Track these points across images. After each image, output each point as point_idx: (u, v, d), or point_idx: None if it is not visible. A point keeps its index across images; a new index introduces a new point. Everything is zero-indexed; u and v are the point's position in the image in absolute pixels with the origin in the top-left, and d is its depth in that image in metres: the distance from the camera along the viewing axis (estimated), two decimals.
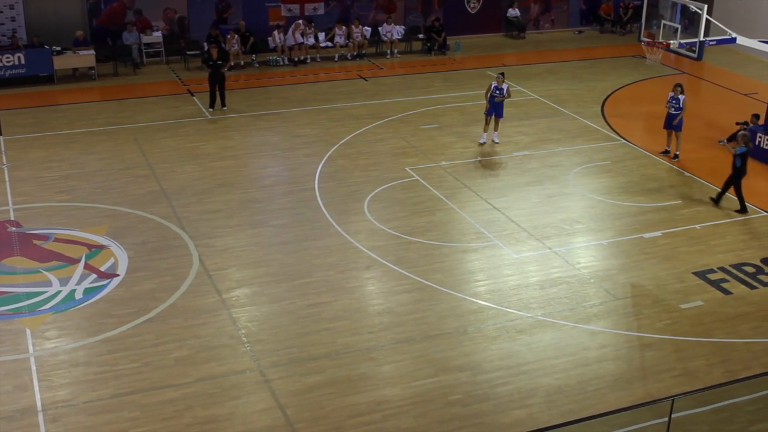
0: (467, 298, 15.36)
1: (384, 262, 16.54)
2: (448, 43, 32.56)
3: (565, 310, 14.98)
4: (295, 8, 31.20)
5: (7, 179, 20.21)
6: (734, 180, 18.82)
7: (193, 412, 12.36)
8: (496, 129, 22.55)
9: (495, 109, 22.22)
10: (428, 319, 14.68)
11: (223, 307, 14.99)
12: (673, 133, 21.67)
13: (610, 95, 27.27)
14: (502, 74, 22.40)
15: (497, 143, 22.50)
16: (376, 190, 19.59)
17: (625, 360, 13.71)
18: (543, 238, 17.58)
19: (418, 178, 20.33)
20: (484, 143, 22.48)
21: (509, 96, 22.18)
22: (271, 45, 30.94)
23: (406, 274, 16.11)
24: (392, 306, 15.17)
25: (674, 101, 21.26)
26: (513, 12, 35.09)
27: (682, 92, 21.33)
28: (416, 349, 13.83)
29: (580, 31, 36.11)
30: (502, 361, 13.53)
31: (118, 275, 16.00)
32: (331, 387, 12.88)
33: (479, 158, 21.61)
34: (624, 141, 23.10)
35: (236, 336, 14.16)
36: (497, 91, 22.05)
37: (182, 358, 13.56)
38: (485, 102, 22.37)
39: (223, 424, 12.15)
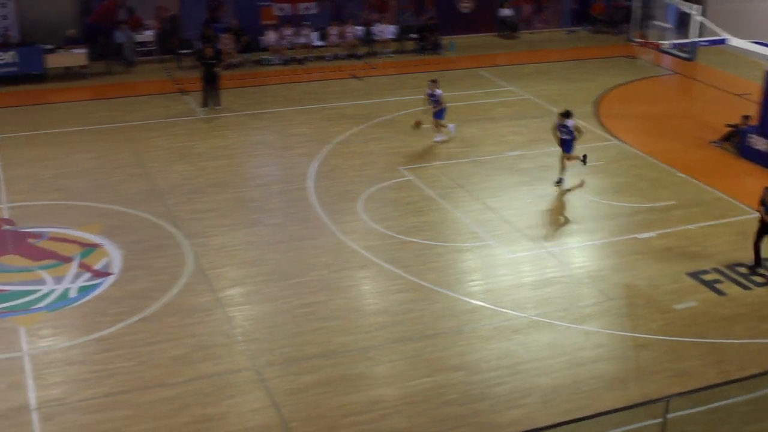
0: (462, 297, 15.37)
1: (378, 261, 16.54)
2: (441, 42, 32.58)
3: (560, 310, 15.01)
4: (288, 8, 31.18)
5: (0, 177, 20.15)
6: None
7: (188, 410, 12.34)
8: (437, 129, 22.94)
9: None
10: (423, 319, 14.69)
11: (218, 306, 14.97)
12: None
13: (601, 95, 27.32)
14: (434, 81, 22.81)
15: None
16: (370, 190, 19.59)
17: (620, 360, 13.74)
18: (537, 238, 17.61)
19: (412, 177, 20.34)
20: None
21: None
22: (264, 44, 30.91)
23: (401, 273, 16.11)
24: (387, 306, 15.17)
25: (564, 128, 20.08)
26: (505, 12, 35.14)
27: None
28: (411, 349, 13.84)
29: (571, 31, 36.17)
30: (497, 361, 13.55)
31: (112, 274, 15.96)
32: (326, 386, 12.88)
33: (472, 158, 21.61)
34: (617, 141, 23.15)
35: (231, 335, 14.15)
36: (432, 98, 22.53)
37: (177, 357, 13.53)
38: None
39: (219, 422, 12.14)
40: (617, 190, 20.05)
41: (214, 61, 25.05)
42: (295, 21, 31.34)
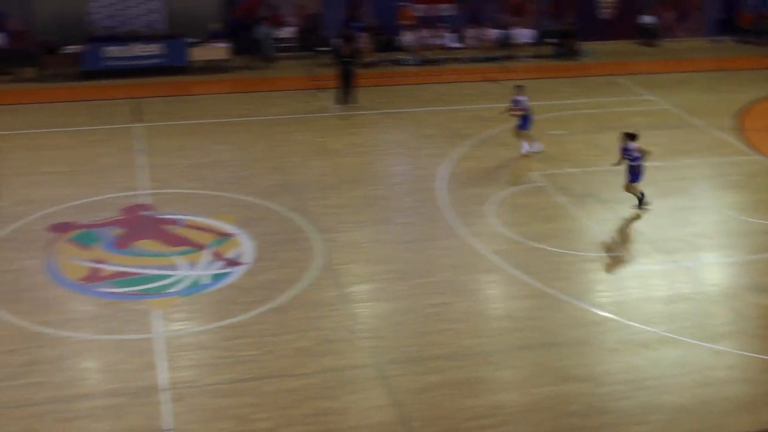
0: (589, 308, 15.11)
1: (505, 266, 16.42)
2: (579, 48, 32.12)
3: (691, 327, 14.57)
4: (426, 8, 31.29)
5: (142, 165, 20.91)
6: None
7: (310, 403, 12.50)
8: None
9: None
10: (548, 327, 14.51)
11: (344, 301, 15.14)
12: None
13: (746, 108, 26.42)
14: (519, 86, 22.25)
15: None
16: (501, 194, 19.47)
17: (753, 383, 13.25)
18: (669, 251, 17.16)
19: (544, 183, 20.12)
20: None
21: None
22: (401, 44, 31.11)
23: (528, 280, 15.96)
24: (512, 311, 15.06)
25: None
26: (647, 19, 34.40)
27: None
28: (535, 356, 13.69)
29: (716, 41, 35.10)
30: (623, 375, 13.25)
31: (244, 264, 16.33)
32: (448, 388, 12.85)
33: (608, 166, 21.20)
34: (760, 156, 22.35)
35: (355, 331, 14.28)
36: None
37: (302, 349, 13.74)
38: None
39: (339, 417, 12.26)
40: (757, 207, 19.34)
41: (351, 60, 25.37)
42: (432, 22, 31.42)
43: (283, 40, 31.33)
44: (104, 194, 19.31)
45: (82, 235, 17.39)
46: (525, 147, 21.93)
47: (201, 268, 16.18)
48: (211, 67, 29.54)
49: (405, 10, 31.73)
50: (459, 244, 17.27)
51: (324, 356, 13.59)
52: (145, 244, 17.04)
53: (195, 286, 15.60)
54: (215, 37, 29.78)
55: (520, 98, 21.77)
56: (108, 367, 13.31)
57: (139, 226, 17.88)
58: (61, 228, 17.64)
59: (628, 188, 18.86)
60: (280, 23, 31.48)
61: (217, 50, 29.52)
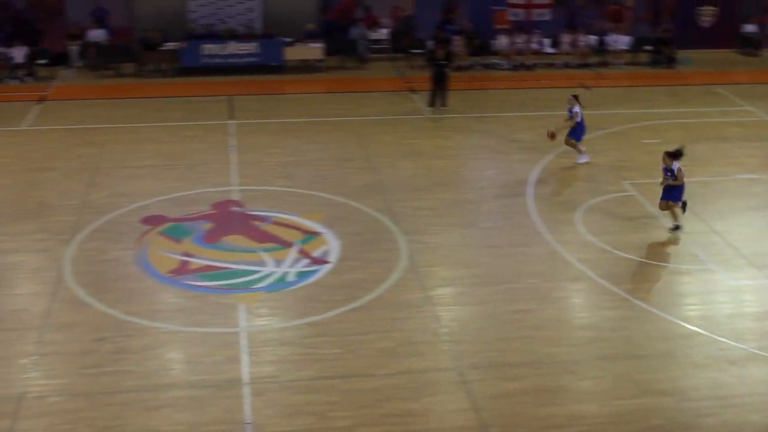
0: (677, 321, 14.80)
1: (592, 275, 16.20)
2: (676, 56, 31.51)
3: None
4: (522, 13, 31.08)
5: (234, 161, 21.27)
6: None
7: (389, 403, 12.53)
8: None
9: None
10: (634, 339, 14.26)
11: (428, 303, 15.13)
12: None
13: None
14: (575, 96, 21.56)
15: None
16: (590, 202, 19.22)
17: None
18: (764, 267, 16.69)
19: (635, 193, 19.79)
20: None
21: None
22: (495, 48, 30.97)
23: (614, 290, 15.71)
24: (597, 321, 14.85)
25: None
26: (749, 28, 33.55)
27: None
28: (619, 368, 13.46)
29: None
30: (709, 391, 12.95)
31: (330, 262, 16.46)
32: (528, 395, 12.74)
33: (702, 178, 20.77)
34: None
35: (438, 334, 14.26)
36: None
37: (384, 350, 13.77)
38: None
39: (418, 419, 12.26)
40: None
41: (444, 63, 25.36)
42: (527, 27, 31.21)
43: (376, 41, 31.49)
44: (196, 189, 19.70)
45: (173, 228, 17.77)
46: (583, 158, 21.56)
47: (287, 265, 16.36)
48: (305, 67, 29.88)
49: (500, 14, 31.56)
50: (545, 251, 17.11)
51: (405, 358, 13.60)
52: (234, 240, 17.32)
53: (280, 283, 15.79)
54: (310, 37, 30.09)
55: (575, 108, 21.43)
56: (193, 358, 13.56)
57: (229, 221, 18.18)
58: (154, 221, 18.05)
59: (667, 207, 17.94)
60: (374, 24, 31.63)
61: (312, 50, 29.83)
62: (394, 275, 16.03)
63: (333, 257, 16.65)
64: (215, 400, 12.49)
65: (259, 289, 15.58)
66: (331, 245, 17.05)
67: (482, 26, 31.27)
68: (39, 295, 15.29)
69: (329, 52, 30.06)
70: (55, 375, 13.07)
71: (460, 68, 29.34)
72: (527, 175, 20.73)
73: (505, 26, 31.41)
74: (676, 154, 17.61)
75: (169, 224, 17.92)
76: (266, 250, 16.87)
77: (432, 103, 25.64)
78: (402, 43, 31.29)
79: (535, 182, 20.36)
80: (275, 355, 13.61)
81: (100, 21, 30.44)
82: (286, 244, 17.11)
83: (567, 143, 21.56)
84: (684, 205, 17.91)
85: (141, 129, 24.05)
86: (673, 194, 17.75)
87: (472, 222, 18.42)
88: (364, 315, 14.75)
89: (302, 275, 16.04)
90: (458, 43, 29.91)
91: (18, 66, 28.95)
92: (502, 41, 30.89)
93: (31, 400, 12.43)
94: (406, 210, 18.70)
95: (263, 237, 17.45)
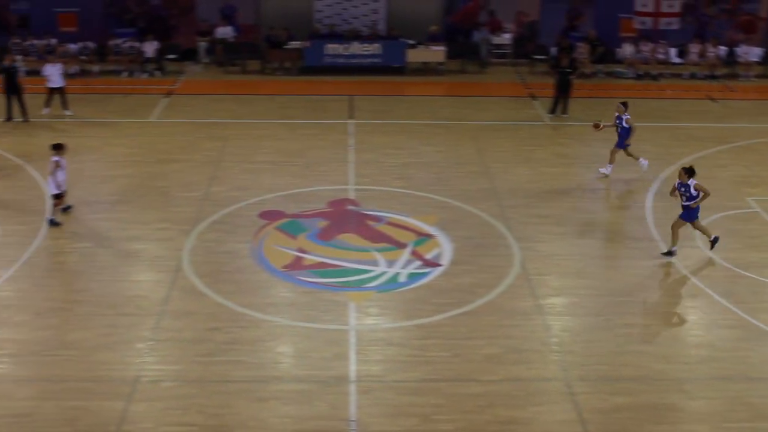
0: None
1: (709, 292, 15.78)
2: None
3: None
4: (649, 21, 30.47)
5: (351, 160, 21.50)
6: None
7: (493, 410, 12.47)
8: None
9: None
10: (750, 360, 13.83)
11: (538, 312, 15.00)
12: None
13: None
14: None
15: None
16: (711, 218, 18.68)
17: None
18: None
19: (760, 210, 19.18)
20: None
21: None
22: (619, 56, 30.47)
23: (733, 308, 15.26)
24: (712, 339, 14.45)
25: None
26: None
27: None
28: (733, 389, 13.07)
29: None
30: None
31: (441, 265, 16.48)
32: (636, 411, 12.49)
33: None
34: None
35: (547, 343, 14.12)
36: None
37: (491, 356, 13.72)
38: None
39: (522, 427, 12.17)
40: None
41: (568, 70, 25.09)
42: (654, 36, 30.58)
43: (499, 46, 31.36)
44: (314, 186, 19.99)
45: (290, 224, 18.07)
46: (604, 168, 21.02)
47: (399, 266, 16.46)
48: (426, 69, 29.98)
49: (627, 21, 30.99)
50: (662, 265, 16.74)
51: (513, 365, 13.53)
52: (348, 238, 17.51)
53: (392, 283, 15.89)
54: (433, 39, 30.17)
55: (623, 116, 20.86)
56: (302, 353, 13.78)
57: (344, 219, 18.39)
58: (271, 216, 18.40)
59: (696, 227, 17.06)
60: (498, 29, 31.51)
61: (434, 53, 29.91)
62: (505, 281, 15.95)
63: (445, 260, 16.66)
64: (321, 395, 12.67)
65: (370, 288, 15.72)
66: (444, 248, 17.06)
67: (607, 34, 30.77)
68: (158, 282, 15.78)
69: (451, 55, 30.07)
70: (169, 361, 13.48)
71: (583, 76, 28.95)
72: (647, 186, 20.32)
73: (631, 34, 30.84)
74: (690, 171, 16.72)
75: (285, 220, 18.24)
76: (379, 250, 17.00)
77: (553, 110, 25.40)
78: (525, 48, 31.10)
79: (654, 194, 19.94)
80: (382, 355, 13.71)
81: (228, 18, 31.21)
82: (400, 245, 17.21)
83: (627, 154, 21.05)
84: (715, 241, 17.01)
85: (263, 125, 24.55)
86: (687, 214, 16.82)
87: (586, 232, 18.17)
88: (473, 320, 14.72)
89: (414, 277, 16.11)
90: (582, 51, 29.53)
91: (148, 60, 29.91)
92: (626, 50, 30.35)
93: (146, 384, 12.85)
94: (520, 216, 18.58)
95: (377, 237, 17.59)
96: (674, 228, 16.88)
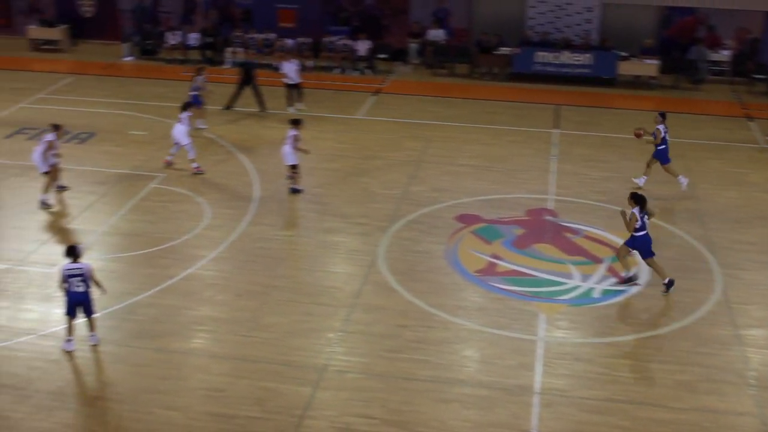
0: None
1: None
2: None
3: None
4: None
5: (553, 170, 21.27)
6: None
7: None
8: None
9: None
10: None
11: (737, 342, 14.35)
12: None
13: None
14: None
15: None
16: None
17: None
18: None
19: None
20: None
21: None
22: None
23: None
24: None
25: None
26: None
27: None
28: None
29: None
30: None
31: (639, 284, 16.05)
32: None
33: None
34: None
35: (744, 376, 13.49)
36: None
37: (682, 383, 13.26)
38: None
39: None
40: None
41: None
42: None
43: (716, 63, 30.18)
44: (513, 193, 19.92)
45: (486, 229, 18.09)
46: (639, 179, 20.32)
47: (594, 281, 16.17)
48: (637, 83, 29.24)
49: None
50: None
51: (705, 395, 13.03)
52: (543, 248, 17.34)
53: (585, 298, 15.63)
54: (646, 53, 29.37)
55: (659, 127, 19.81)
56: (487, 359, 13.78)
57: (540, 229, 18.22)
58: (468, 219, 18.47)
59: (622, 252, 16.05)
60: (716, 45, 30.32)
61: (647, 66, 29.12)
62: (704, 307, 15.36)
63: (642, 280, 16.21)
64: (503, 403, 12.62)
65: (562, 300, 15.52)
66: (642, 267, 16.59)
67: None
68: (353, 275, 16.16)
69: (664, 70, 29.19)
70: (357, 353, 13.79)
71: None
72: None
73: None
74: (638, 199, 15.69)
75: (482, 224, 18.27)
76: (575, 263, 16.75)
77: None
78: (744, 66, 29.78)
79: None
80: (569, 370, 13.51)
81: (440, 21, 31.51)
82: (596, 260, 16.90)
83: (648, 163, 20.33)
84: (670, 285, 15.78)
85: (467, 129, 24.65)
86: (633, 242, 15.77)
87: None
88: (666, 343, 14.27)
89: (608, 293, 15.78)
90: None
91: (360, 58, 30.64)
92: None
93: (333, 373, 13.20)
94: (725, 241, 17.83)
95: (573, 249, 17.34)
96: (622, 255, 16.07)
